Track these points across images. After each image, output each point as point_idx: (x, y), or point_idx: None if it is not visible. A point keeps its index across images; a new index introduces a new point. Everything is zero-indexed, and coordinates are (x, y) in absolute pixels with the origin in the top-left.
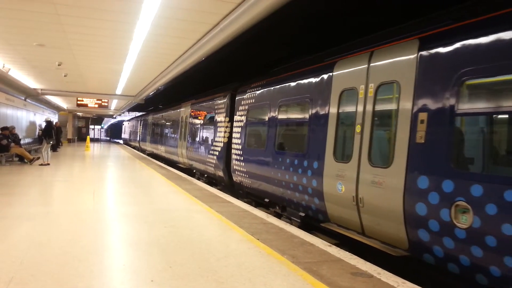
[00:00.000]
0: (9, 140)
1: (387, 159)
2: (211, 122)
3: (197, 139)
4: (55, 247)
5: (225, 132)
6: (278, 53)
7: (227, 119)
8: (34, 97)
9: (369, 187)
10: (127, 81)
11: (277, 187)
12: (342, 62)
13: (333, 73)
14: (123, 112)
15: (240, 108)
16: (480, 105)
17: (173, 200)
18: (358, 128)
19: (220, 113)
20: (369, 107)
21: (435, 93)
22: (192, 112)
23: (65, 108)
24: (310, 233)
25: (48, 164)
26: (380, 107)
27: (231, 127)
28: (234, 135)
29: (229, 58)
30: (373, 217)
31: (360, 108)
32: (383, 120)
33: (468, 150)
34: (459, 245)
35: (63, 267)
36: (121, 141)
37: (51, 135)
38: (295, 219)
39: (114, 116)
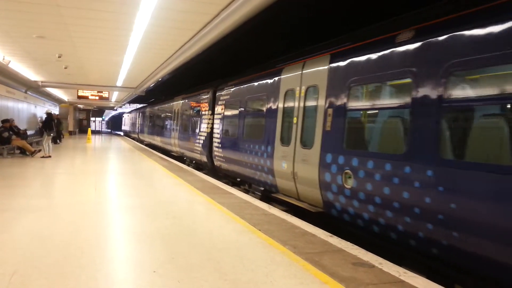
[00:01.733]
0: (10, 132)
1: (310, 142)
2: (198, 115)
3: (187, 130)
4: (57, 239)
5: (208, 123)
6: (277, 44)
7: (210, 112)
8: (34, 89)
9: (300, 164)
10: (127, 72)
11: (245, 168)
12: (287, 68)
13: (281, 77)
14: (124, 104)
15: (220, 103)
16: (358, 104)
17: (175, 191)
18: (295, 120)
19: (205, 107)
20: (301, 104)
21: (336, 94)
22: (183, 105)
23: (66, 100)
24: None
25: (50, 156)
26: (307, 104)
27: (213, 119)
28: (215, 126)
29: (229, 49)
30: (303, 186)
31: (296, 105)
32: (309, 113)
33: (351, 134)
34: (347, 201)
35: (66, 259)
36: (121, 133)
37: (51, 127)
38: (257, 193)
39: (115, 108)
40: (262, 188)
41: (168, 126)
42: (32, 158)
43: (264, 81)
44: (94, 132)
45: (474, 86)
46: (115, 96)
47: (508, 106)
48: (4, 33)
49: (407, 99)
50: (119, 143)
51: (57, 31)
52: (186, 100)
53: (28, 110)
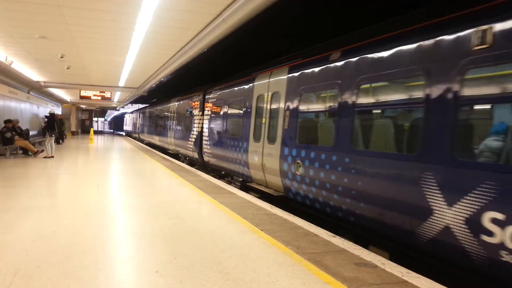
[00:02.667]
0: (13, 132)
1: (274, 139)
2: (190, 115)
3: (181, 129)
4: (60, 238)
5: (199, 123)
6: (279, 43)
7: (200, 113)
8: (37, 89)
9: (267, 157)
10: (129, 73)
11: (228, 162)
12: (259, 77)
13: (254, 83)
14: (126, 104)
15: (208, 105)
16: (306, 107)
17: (177, 191)
18: (264, 120)
19: (196, 108)
20: (268, 107)
21: (292, 99)
22: (178, 107)
23: (69, 100)
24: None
25: (52, 156)
26: (273, 107)
27: (203, 120)
28: (204, 126)
29: (231, 49)
30: (269, 175)
31: (265, 107)
32: (274, 115)
33: (301, 132)
34: (298, 185)
35: (68, 259)
36: (123, 133)
37: (53, 128)
38: (237, 183)
39: (117, 109)
40: (241, 179)
41: (165, 126)
42: (34, 159)
43: (242, 87)
44: (97, 133)
45: (373, 95)
46: (117, 96)
47: (395, 110)
48: (6, 33)
49: (335, 105)
50: (121, 143)
51: (59, 31)
52: (181, 102)
53: (30, 111)
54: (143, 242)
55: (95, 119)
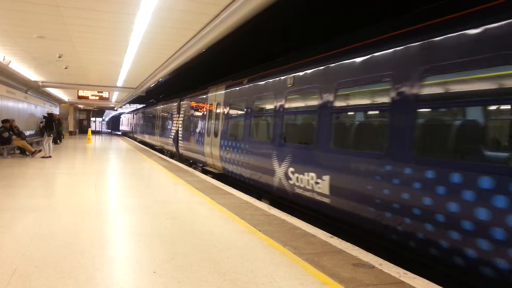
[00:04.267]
0: (10, 132)
1: (217, 134)
2: (171, 117)
3: (164, 128)
4: (57, 238)
5: (176, 123)
6: (277, 45)
7: (177, 115)
8: (35, 89)
9: (213, 147)
10: (127, 73)
11: (193, 153)
12: (211, 90)
13: (208, 95)
14: (124, 105)
15: (182, 109)
16: (232, 112)
17: (174, 192)
18: (212, 121)
19: (174, 111)
20: (215, 112)
21: (226, 108)
22: (162, 110)
23: (66, 100)
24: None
25: (50, 156)
26: (217, 112)
27: (178, 120)
28: (179, 125)
29: (229, 49)
30: (215, 160)
31: (213, 112)
32: (218, 117)
33: (230, 129)
34: (228, 165)
35: (66, 259)
36: (120, 133)
37: (52, 128)
38: (199, 168)
39: (115, 109)
40: (201, 165)
41: (153, 126)
42: (32, 158)
43: (202, 96)
44: (94, 133)
45: (258, 107)
46: (115, 96)
47: (266, 115)
48: (4, 33)
49: (243, 112)
50: (119, 143)
51: (57, 31)
52: (164, 106)
53: (28, 110)
54: (141, 242)
55: (93, 119)
